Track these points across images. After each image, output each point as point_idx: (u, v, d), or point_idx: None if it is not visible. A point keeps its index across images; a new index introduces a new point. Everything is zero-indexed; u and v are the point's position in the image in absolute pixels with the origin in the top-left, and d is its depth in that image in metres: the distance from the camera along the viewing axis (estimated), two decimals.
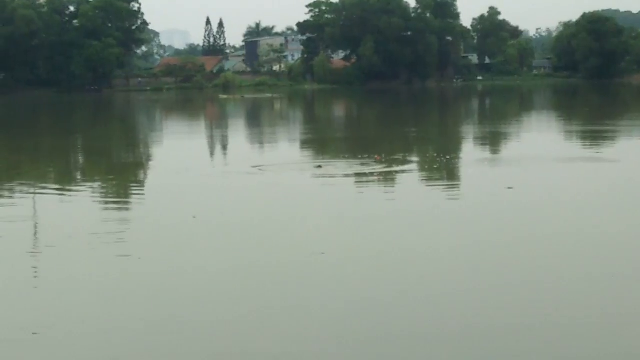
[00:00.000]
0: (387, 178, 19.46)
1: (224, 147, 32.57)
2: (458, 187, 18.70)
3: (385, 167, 21.02)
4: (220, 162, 25.01)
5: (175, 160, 25.01)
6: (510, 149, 28.15)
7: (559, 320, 8.46)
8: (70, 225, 13.88)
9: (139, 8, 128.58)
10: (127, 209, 16.31)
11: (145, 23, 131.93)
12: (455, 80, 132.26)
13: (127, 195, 18.39)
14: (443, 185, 18.79)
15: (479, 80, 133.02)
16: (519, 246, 11.89)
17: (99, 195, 18.26)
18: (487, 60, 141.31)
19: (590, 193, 16.81)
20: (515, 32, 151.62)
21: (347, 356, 7.66)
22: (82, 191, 18.98)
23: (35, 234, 13.31)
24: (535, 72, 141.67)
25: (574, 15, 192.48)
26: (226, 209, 15.61)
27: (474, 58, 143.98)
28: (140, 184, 20.64)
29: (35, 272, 10.96)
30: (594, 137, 31.23)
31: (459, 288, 9.65)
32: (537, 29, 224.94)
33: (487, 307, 8.94)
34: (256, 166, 22.13)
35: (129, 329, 8.47)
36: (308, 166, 22.13)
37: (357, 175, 19.88)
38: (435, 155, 24.72)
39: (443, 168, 21.25)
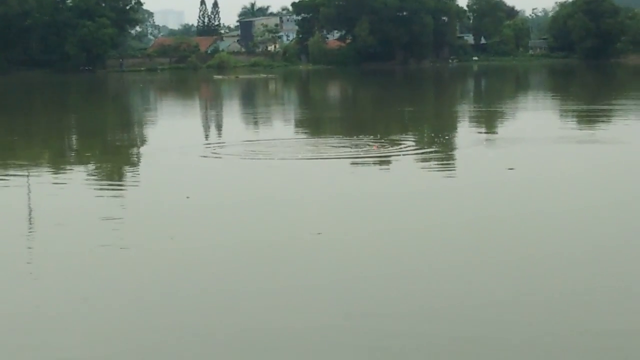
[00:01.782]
0: (384, 158, 19.28)
1: (218, 127, 32.37)
2: (457, 168, 18.46)
3: (382, 147, 20.83)
4: (213, 142, 24.84)
5: (167, 140, 24.82)
6: (509, 129, 27.85)
7: (560, 298, 8.37)
8: (63, 207, 13.74)
9: None
10: (120, 190, 16.15)
11: (139, 3, 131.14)
12: (450, 61, 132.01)
13: (120, 176, 18.21)
14: (441, 165, 18.62)
15: (475, 60, 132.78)
16: (520, 226, 11.75)
17: (92, 176, 18.08)
18: (483, 41, 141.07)
19: (593, 174, 16.62)
20: (511, 13, 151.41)
21: (344, 331, 7.55)
22: (75, 172, 18.81)
23: (30, 216, 13.13)
24: (531, 52, 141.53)
25: None
26: (220, 190, 15.46)
27: (470, 38, 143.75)
28: (133, 164, 20.43)
29: (30, 256, 10.81)
30: (593, 117, 31.06)
31: (459, 266, 9.53)
32: (533, 9, 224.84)
33: (489, 285, 8.82)
34: (247, 143, 22.00)
35: (129, 312, 8.34)
36: (302, 146, 21.95)
37: (353, 154, 19.70)
38: (433, 135, 24.55)
39: (441, 148, 21.07)
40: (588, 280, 9.15)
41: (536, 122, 30.03)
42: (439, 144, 21.80)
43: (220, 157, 20.11)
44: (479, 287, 8.86)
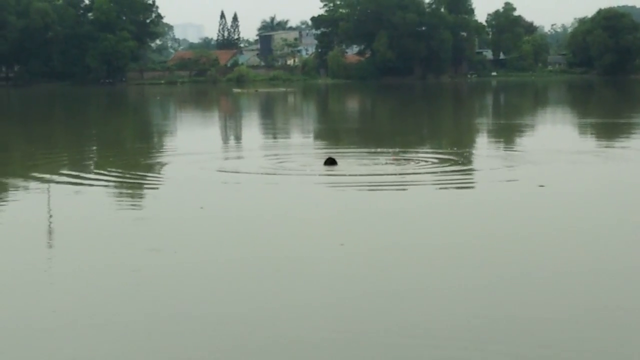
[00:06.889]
0: (405, 173, 19.08)
1: (237, 139, 32.39)
2: (484, 184, 18.04)
3: (402, 162, 20.66)
4: (232, 155, 24.85)
5: (187, 152, 24.81)
6: (536, 144, 26.89)
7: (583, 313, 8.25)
8: (82, 217, 13.75)
9: (154, 1, 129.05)
10: (139, 200, 16.15)
11: (159, 16, 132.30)
12: (469, 76, 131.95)
13: (139, 186, 18.19)
14: (467, 181, 18.33)
15: (493, 76, 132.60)
16: (548, 245, 11.53)
17: (111, 186, 18.07)
18: (502, 56, 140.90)
19: (626, 192, 16.24)
20: (530, 28, 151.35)
21: (364, 344, 7.47)
22: (94, 182, 18.81)
23: (49, 225, 13.15)
24: (549, 68, 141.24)
25: (589, 11, 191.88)
26: (239, 202, 15.41)
27: (489, 54, 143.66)
28: (151, 175, 20.37)
29: (49, 265, 10.80)
30: (617, 132, 30.77)
31: (479, 283, 9.41)
32: (552, 25, 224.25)
33: (506, 302, 8.70)
34: (267, 156, 21.97)
35: (140, 322, 8.28)
36: (321, 159, 21.86)
37: (373, 169, 19.57)
38: (456, 149, 24.28)
39: (466, 163, 20.81)
40: (617, 298, 9.03)
41: (558, 137, 29.79)
42: (464, 159, 21.56)
43: (237, 170, 20.05)
44: (497, 303, 8.75)
